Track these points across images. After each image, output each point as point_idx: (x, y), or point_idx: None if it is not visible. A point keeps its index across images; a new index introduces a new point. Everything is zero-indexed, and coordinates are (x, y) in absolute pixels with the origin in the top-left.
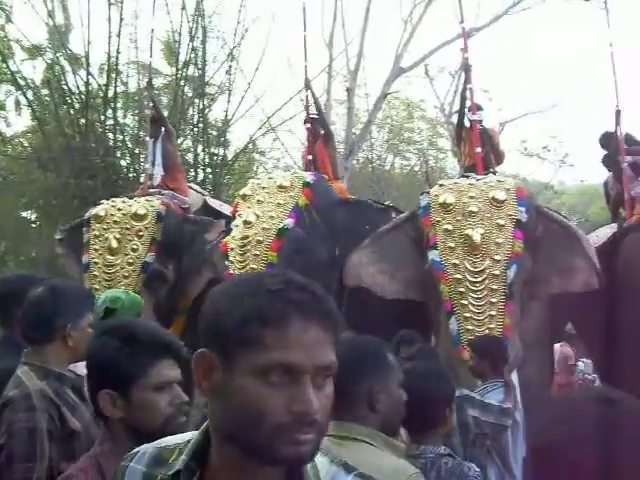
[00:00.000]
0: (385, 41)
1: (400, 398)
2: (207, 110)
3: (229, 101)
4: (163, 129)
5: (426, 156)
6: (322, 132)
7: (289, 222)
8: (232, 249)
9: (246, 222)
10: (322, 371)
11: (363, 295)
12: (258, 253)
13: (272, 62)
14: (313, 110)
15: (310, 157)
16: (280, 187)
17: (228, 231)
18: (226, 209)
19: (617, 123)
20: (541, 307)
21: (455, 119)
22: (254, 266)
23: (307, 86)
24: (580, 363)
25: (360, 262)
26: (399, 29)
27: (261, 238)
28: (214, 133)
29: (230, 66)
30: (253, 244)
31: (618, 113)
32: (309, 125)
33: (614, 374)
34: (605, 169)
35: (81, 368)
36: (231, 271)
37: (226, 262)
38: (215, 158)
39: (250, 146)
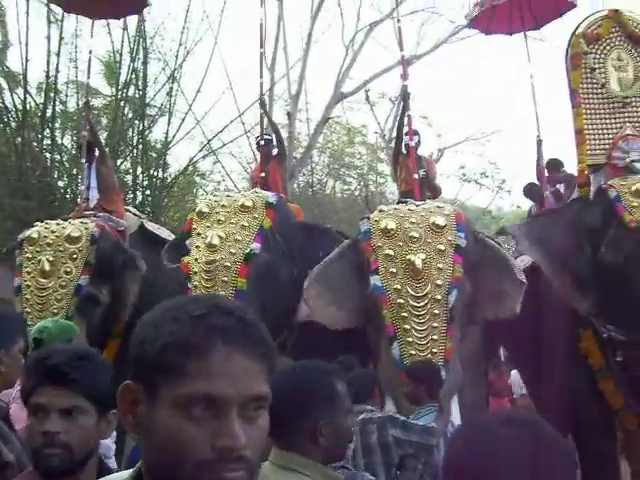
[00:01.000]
0: (327, 66)
1: (347, 429)
2: (147, 132)
3: (169, 123)
4: (97, 151)
5: (366, 181)
6: (275, 153)
7: (256, 247)
8: (196, 272)
9: (210, 245)
10: (252, 402)
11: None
12: (227, 279)
13: (214, 84)
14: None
15: (263, 174)
16: (242, 207)
17: (182, 249)
18: (163, 232)
19: (538, 152)
20: (477, 331)
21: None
22: (223, 292)
23: (262, 106)
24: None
25: (309, 295)
26: (341, 54)
27: (229, 264)
28: (154, 155)
29: (171, 88)
30: (220, 269)
31: (539, 142)
32: (263, 144)
33: (540, 395)
34: (529, 199)
35: (7, 396)
36: None
37: (189, 285)
38: (154, 180)
39: (190, 168)
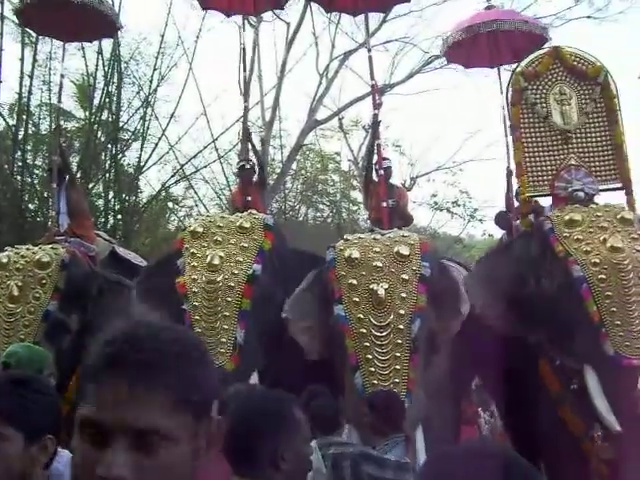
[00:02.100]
0: (301, 93)
1: (306, 454)
2: (120, 156)
3: (142, 147)
4: (67, 177)
5: (339, 208)
6: (256, 179)
7: (257, 268)
8: (195, 293)
9: (211, 265)
10: (148, 434)
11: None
12: (230, 300)
13: (188, 110)
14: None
15: (249, 198)
16: (240, 228)
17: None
18: (133, 257)
19: (508, 183)
20: (443, 360)
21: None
22: (227, 313)
23: (245, 131)
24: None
25: (291, 332)
26: (315, 82)
27: (232, 284)
28: (126, 179)
29: (145, 112)
30: (224, 290)
31: (509, 173)
32: (245, 169)
33: (511, 426)
34: (499, 228)
35: None
36: (197, 316)
37: (186, 306)
38: (126, 205)
39: (163, 193)
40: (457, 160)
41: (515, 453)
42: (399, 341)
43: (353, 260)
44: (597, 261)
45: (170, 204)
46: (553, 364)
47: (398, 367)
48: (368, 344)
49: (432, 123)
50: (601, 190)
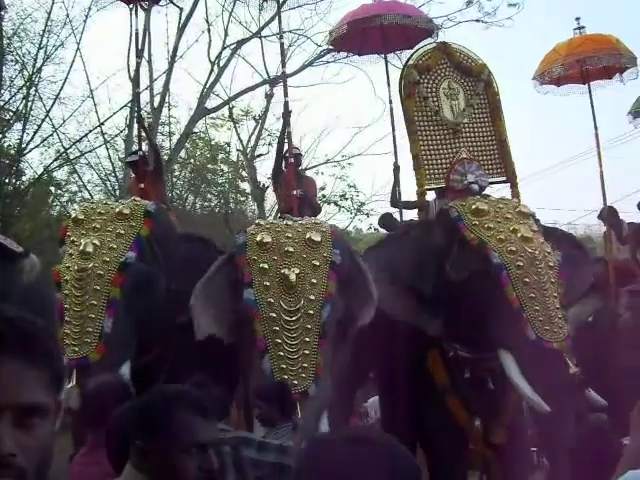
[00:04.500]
0: (191, 81)
1: (182, 461)
2: (0, 137)
3: (25, 129)
4: None
5: (227, 198)
6: (152, 169)
7: (131, 255)
8: (67, 281)
9: (84, 252)
10: (26, 410)
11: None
12: (99, 288)
13: (74, 92)
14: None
15: (142, 186)
16: (120, 214)
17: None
18: (9, 243)
19: (395, 178)
20: (347, 352)
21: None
22: (94, 301)
23: (139, 119)
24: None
25: (195, 312)
26: (206, 70)
27: (102, 272)
28: (6, 161)
29: (28, 92)
30: (93, 277)
31: (397, 169)
32: (139, 158)
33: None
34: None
35: None
36: (66, 305)
37: (59, 294)
38: (6, 188)
39: (45, 177)
40: (346, 154)
41: (394, 440)
42: (309, 326)
43: (265, 244)
44: (513, 249)
45: (53, 189)
46: (445, 355)
47: (307, 352)
48: (277, 328)
49: (323, 116)
50: (489, 183)
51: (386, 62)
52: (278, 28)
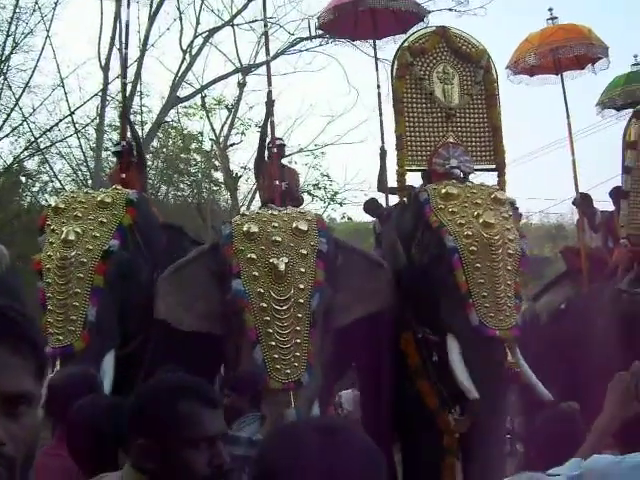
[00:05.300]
0: (163, 70)
1: (186, 455)
2: None
3: None
4: None
5: (200, 188)
6: (135, 159)
7: (114, 243)
8: (49, 269)
9: (66, 241)
10: (13, 399)
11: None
12: (82, 276)
13: (44, 80)
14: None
15: (124, 175)
16: (101, 203)
17: None
18: None
19: (382, 163)
20: (331, 342)
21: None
22: (78, 290)
23: (124, 110)
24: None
25: (159, 293)
26: (178, 58)
27: (85, 260)
28: None
29: None
30: (76, 265)
31: (384, 153)
32: (123, 149)
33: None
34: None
35: None
36: (49, 294)
37: (40, 283)
38: None
39: (15, 167)
40: (319, 143)
41: (362, 431)
42: (299, 315)
43: (252, 234)
44: (470, 234)
45: (23, 179)
46: (416, 337)
47: (299, 340)
48: (268, 318)
49: (296, 105)
50: (476, 170)
51: (375, 47)
52: (263, 15)
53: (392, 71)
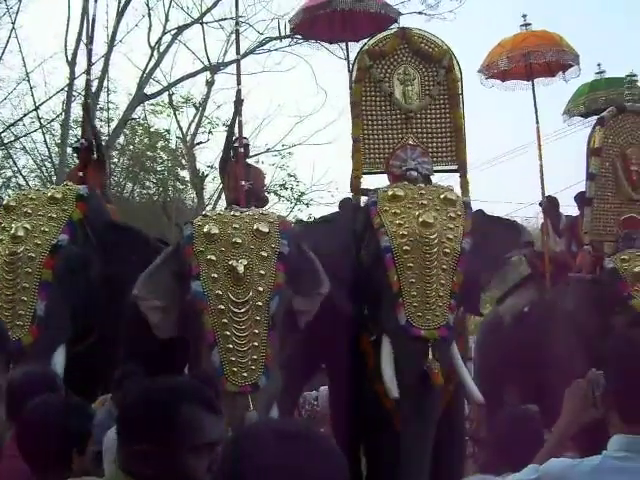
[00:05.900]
0: (131, 66)
1: (184, 461)
2: None
3: None
4: None
5: (166, 186)
6: (95, 158)
7: (63, 238)
8: None
9: (15, 237)
10: None
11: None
12: (31, 270)
13: (9, 73)
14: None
15: (81, 174)
16: (51, 199)
17: None
18: None
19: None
20: (295, 343)
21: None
22: (26, 284)
23: (86, 106)
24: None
25: (139, 301)
26: (146, 55)
27: (33, 254)
28: None
29: None
30: (25, 260)
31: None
32: (83, 146)
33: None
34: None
35: None
36: None
37: None
38: None
39: None
40: (286, 143)
41: (323, 435)
42: (258, 318)
43: (212, 236)
44: (405, 233)
45: None
46: (370, 338)
47: (256, 344)
48: (226, 321)
49: (264, 105)
50: (437, 171)
51: (347, 48)
52: (235, 13)
53: (350, 75)
